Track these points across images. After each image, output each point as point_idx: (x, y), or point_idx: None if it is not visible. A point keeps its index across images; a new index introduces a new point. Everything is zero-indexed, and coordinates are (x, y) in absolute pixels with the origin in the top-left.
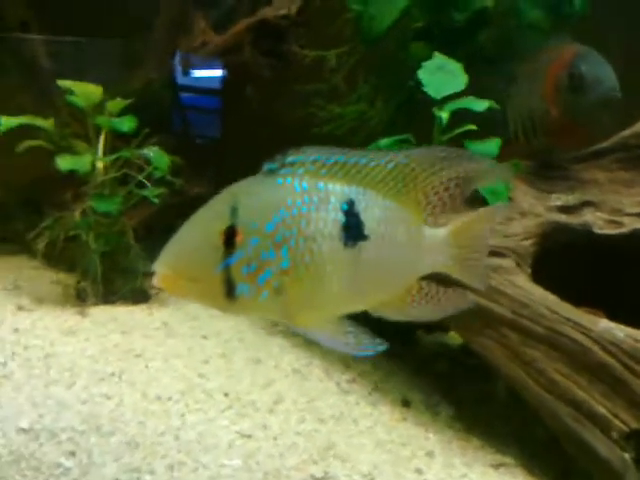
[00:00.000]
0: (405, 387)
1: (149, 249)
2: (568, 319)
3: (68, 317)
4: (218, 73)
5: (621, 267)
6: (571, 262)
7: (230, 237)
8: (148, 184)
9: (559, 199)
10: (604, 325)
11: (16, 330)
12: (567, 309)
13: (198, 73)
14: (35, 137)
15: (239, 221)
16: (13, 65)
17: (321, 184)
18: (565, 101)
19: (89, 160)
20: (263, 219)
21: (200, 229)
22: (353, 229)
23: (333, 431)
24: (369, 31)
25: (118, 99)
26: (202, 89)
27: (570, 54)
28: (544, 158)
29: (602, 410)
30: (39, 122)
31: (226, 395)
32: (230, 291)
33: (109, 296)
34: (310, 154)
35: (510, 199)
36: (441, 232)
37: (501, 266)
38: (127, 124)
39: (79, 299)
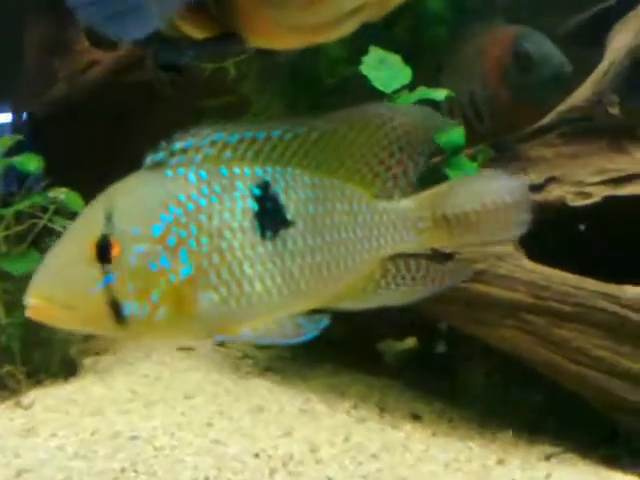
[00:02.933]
0: (403, 401)
1: None
2: (594, 292)
3: (8, 413)
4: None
5: (596, 236)
6: (547, 239)
7: (104, 250)
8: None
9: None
10: (632, 291)
11: None
12: (589, 283)
13: None
14: None
15: (115, 229)
16: None
17: (225, 170)
18: (513, 82)
19: None
20: (147, 222)
21: (71, 245)
22: (270, 216)
23: (394, 465)
24: None
25: (6, 136)
26: None
27: (509, 35)
28: (493, 142)
29: None
30: None
31: (256, 456)
32: (117, 313)
33: (33, 376)
34: (204, 135)
35: None
36: (405, 204)
37: (505, 253)
38: (33, 162)
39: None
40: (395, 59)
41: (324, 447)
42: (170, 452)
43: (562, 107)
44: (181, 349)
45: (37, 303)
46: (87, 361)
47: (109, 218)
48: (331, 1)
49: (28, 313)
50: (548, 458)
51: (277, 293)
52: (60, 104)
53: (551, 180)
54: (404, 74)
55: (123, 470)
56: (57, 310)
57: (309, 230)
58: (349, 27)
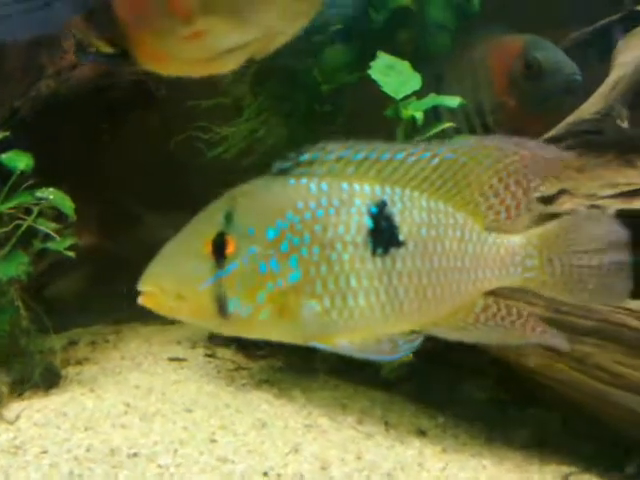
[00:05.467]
0: (407, 415)
1: (39, 320)
2: (617, 307)
3: None
4: None
5: None
6: None
7: (219, 246)
8: (54, 235)
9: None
10: None
11: None
12: None
13: None
14: None
15: (232, 228)
16: None
17: (345, 185)
18: (523, 91)
19: None
20: (263, 225)
21: (189, 239)
22: (383, 234)
23: None
24: None
25: None
26: None
27: (518, 43)
28: None
29: None
30: None
31: (265, 475)
32: (222, 308)
33: (14, 387)
34: (332, 150)
35: None
36: (515, 239)
37: None
38: (23, 160)
39: None
40: (404, 65)
41: (335, 465)
42: (175, 470)
43: (570, 119)
44: (172, 359)
45: (150, 291)
46: (69, 371)
47: (229, 217)
48: (210, 39)
49: (140, 300)
50: (566, 478)
51: (380, 310)
52: (47, 101)
53: (562, 192)
54: (414, 80)
55: None
56: (167, 299)
57: (419, 253)
58: (233, 62)
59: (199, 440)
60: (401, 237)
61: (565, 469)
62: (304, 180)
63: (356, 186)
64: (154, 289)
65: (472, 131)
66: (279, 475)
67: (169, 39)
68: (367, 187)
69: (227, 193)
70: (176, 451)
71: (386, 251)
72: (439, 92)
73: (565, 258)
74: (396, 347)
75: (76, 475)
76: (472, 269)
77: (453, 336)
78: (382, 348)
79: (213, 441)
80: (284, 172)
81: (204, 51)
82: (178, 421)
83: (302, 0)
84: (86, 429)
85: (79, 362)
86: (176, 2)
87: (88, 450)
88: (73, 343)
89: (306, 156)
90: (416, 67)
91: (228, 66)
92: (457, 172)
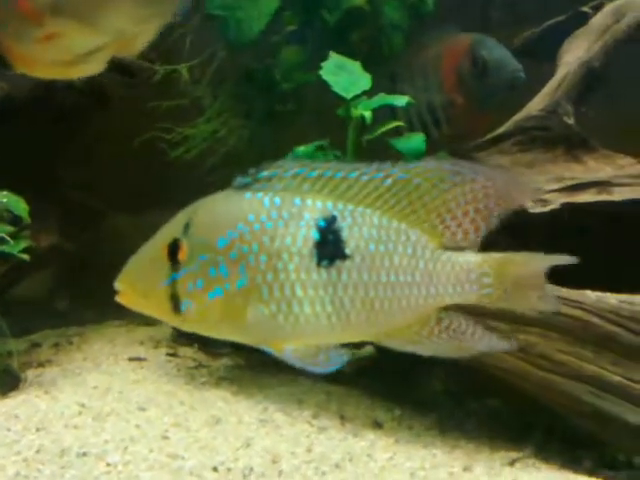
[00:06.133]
0: (363, 409)
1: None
2: (557, 297)
3: None
4: None
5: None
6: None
7: (173, 251)
8: (8, 238)
9: None
10: (595, 296)
11: None
12: (552, 288)
13: None
14: None
15: (187, 236)
16: None
17: (298, 200)
18: (470, 88)
19: None
20: (215, 234)
21: (154, 244)
22: (329, 247)
23: (359, 475)
24: (239, 37)
25: None
26: None
27: (465, 42)
28: (451, 148)
29: (617, 378)
30: None
31: (215, 470)
32: (176, 307)
33: None
34: (289, 168)
35: None
36: (471, 257)
37: None
38: None
39: None
40: (355, 65)
41: (285, 458)
42: (123, 468)
43: (518, 116)
44: (132, 359)
45: (123, 289)
46: (30, 373)
47: (187, 226)
48: (63, 41)
49: (117, 297)
50: (512, 463)
51: (326, 319)
52: (2, 103)
53: None
54: (364, 80)
55: None
56: (136, 297)
57: (366, 266)
58: (95, 64)
59: (150, 437)
60: (347, 250)
61: (514, 455)
62: (259, 195)
63: (308, 201)
64: (124, 287)
65: (424, 128)
66: (229, 469)
67: (25, 41)
68: (319, 203)
69: (192, 204)
70: (126, 449)
71: (331, 263)
72: (393, 91)
73: (516, 286)
74: (328, 360)
75: (22, 476)
76: (423, 285)
77: (407, 348)
78: (317, 360)
79: (165, 438)
80: (244, 187)
81: (61, 53)
82: (131, 419)
83: (150, 5)
84: (38, 430)
85: (41, 364)
86: (24, 5)
87: (38, 451)
88: (36, 345)
89: (265, 172)
90: (370, 67)
91: (91, 68)
92: (411, 192)
